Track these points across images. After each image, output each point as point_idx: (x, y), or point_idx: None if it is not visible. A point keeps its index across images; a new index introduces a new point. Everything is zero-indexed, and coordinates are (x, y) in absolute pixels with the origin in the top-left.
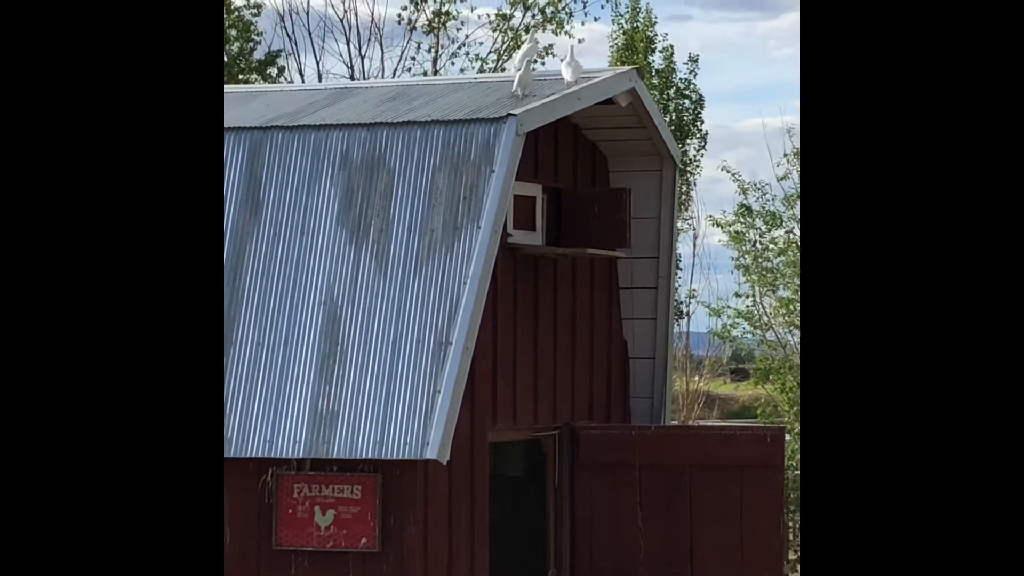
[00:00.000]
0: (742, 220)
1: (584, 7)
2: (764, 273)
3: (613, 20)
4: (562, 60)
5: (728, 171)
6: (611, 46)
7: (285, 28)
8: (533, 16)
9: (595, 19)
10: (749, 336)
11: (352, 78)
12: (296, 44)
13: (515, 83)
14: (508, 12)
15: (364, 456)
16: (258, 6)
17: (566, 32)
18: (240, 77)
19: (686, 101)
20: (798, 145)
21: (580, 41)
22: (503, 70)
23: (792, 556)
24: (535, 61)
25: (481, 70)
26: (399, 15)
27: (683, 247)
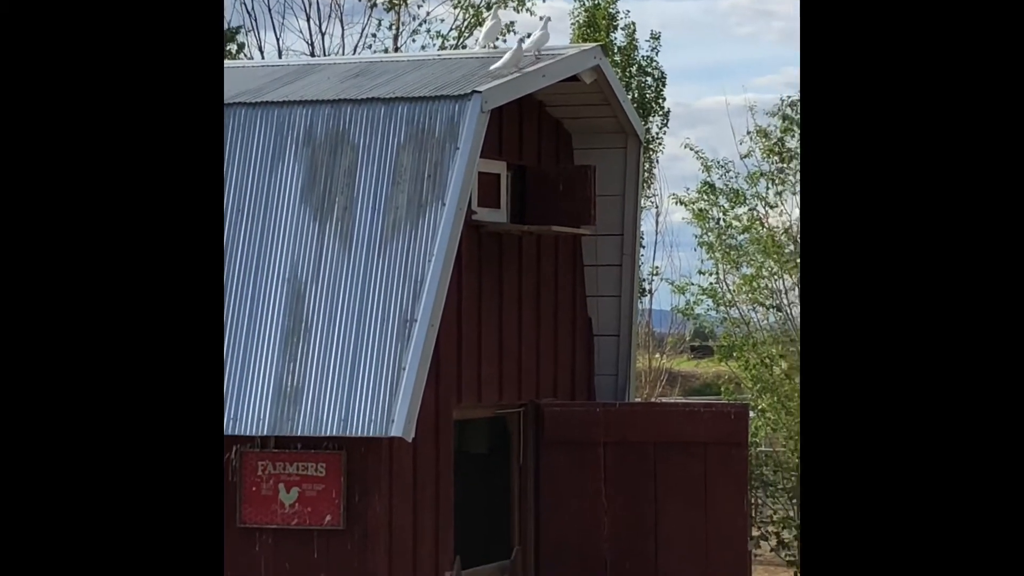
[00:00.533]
0: (705, 198)
1: None
2: (727, 251)
3: None
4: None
5: (691, 148)
6: (573, 23)
7: (245, 4)
8: None
9: None
10: (712, 313)
11: (312, 55)
12: (256, 20)
13: (503, 61)
14: None
15: (328, 434)
16: None
17: (527, 9)
18: None
19: (648, 79)
20: (760, 123)
21: (545, 19)
22: (464, 47)
23: (755, 532)
24: (498, 39)
25: (442, 47)
26: None
27: (646, 224)
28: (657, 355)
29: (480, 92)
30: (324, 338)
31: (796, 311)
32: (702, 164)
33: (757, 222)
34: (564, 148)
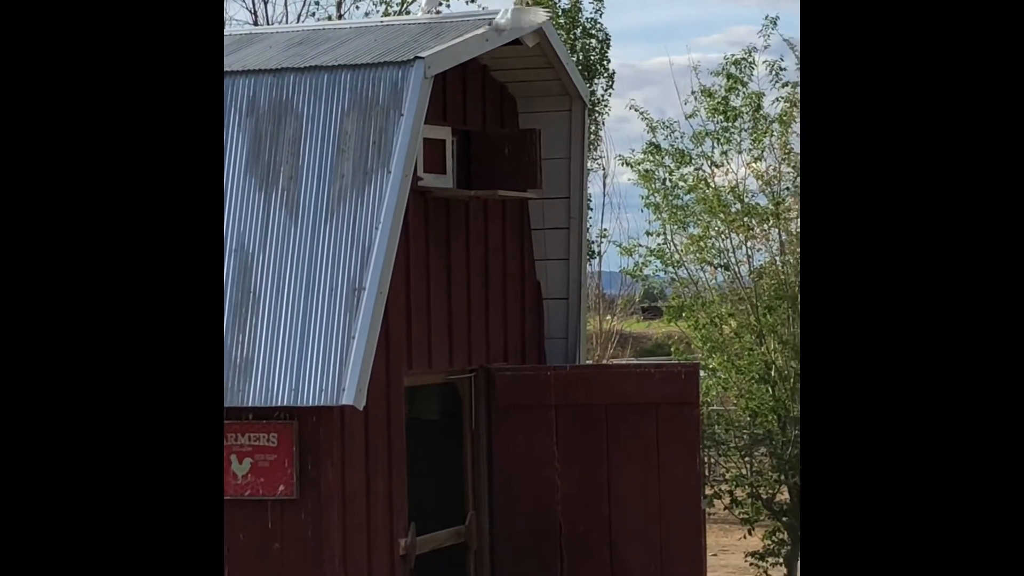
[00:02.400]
0: (651, 158)
1: None
2: (674, 211)
3: None
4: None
5: (636, 109)
6: None
7: None
8: None
9: None
10: (661, 274)
11: (256, 24)
12: None
13: (503, 17)
14: None
15: (280, 404)
16: None
17: None
18: None
19: (593, 40)
20: (704, 82)
21: None
22: (408, 13)
23: (708, 491)
24: (441, 3)
25: (386, 14)
26: None
27: (593, 187)
28: (608, 317)
29: (423, 58)
30: (273, 308)
31: (743, 270)
32: (647, 125)
33: (703, 182)
34: (509, 112)
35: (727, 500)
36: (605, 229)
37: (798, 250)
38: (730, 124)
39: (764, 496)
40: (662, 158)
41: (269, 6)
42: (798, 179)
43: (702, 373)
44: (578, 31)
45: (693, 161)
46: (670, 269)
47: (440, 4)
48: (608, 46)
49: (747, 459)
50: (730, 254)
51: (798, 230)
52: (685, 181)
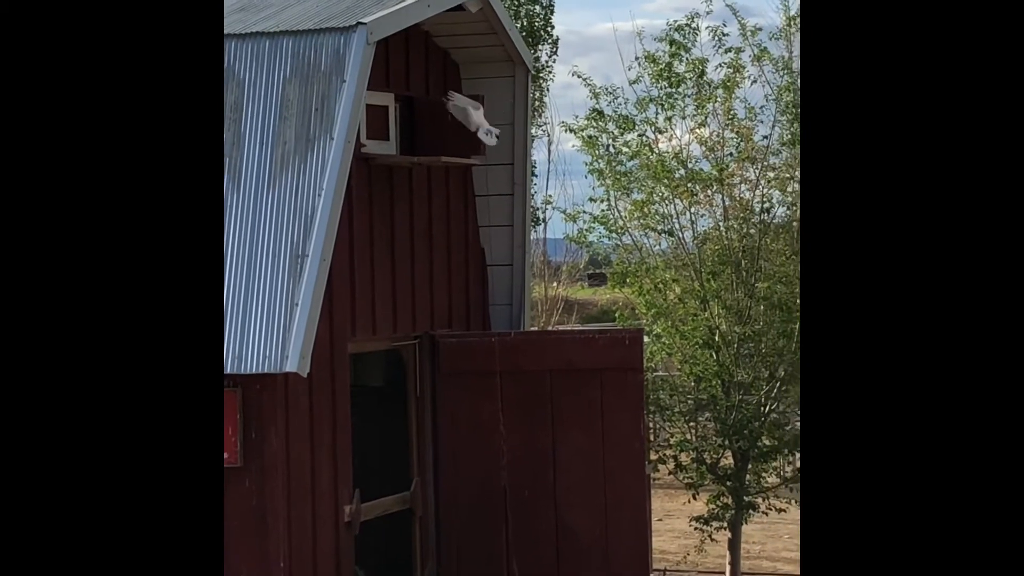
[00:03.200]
0: (594, 124)
1: None
2: (618, 177)
3: None
4: None
5: (579, 76)
6: None
7: None
8: None
9: None
10: (605, 240)
11: None
12: None
13: None
14: None
15: (224, 371)
16: None
17: None
18: None
19: (536, 7)
20: (648, 48)
21: None
22: None
23: (653, 456)
24: None
25: None
26: None
27: (538, 154)
28: (553, 284)
29: (365, 24)
30: None
31: (687, 235)
32: (590, 91)
33: (646, 148)
34: (452, 78)
35: (672, 465)
36: (550, 196)
37: (741, 215)
38: (674, 90)
39: (708, 461)
40: (605, 124)
41: None
42: (741, 145)
43: (646, 339)
44: None
45: (637, 127)
46: (614, 235)
47: None
48: (552, 12)
49: (691, 424)
50: (674, 220)
51: (741, 195)
52: (629, 147)
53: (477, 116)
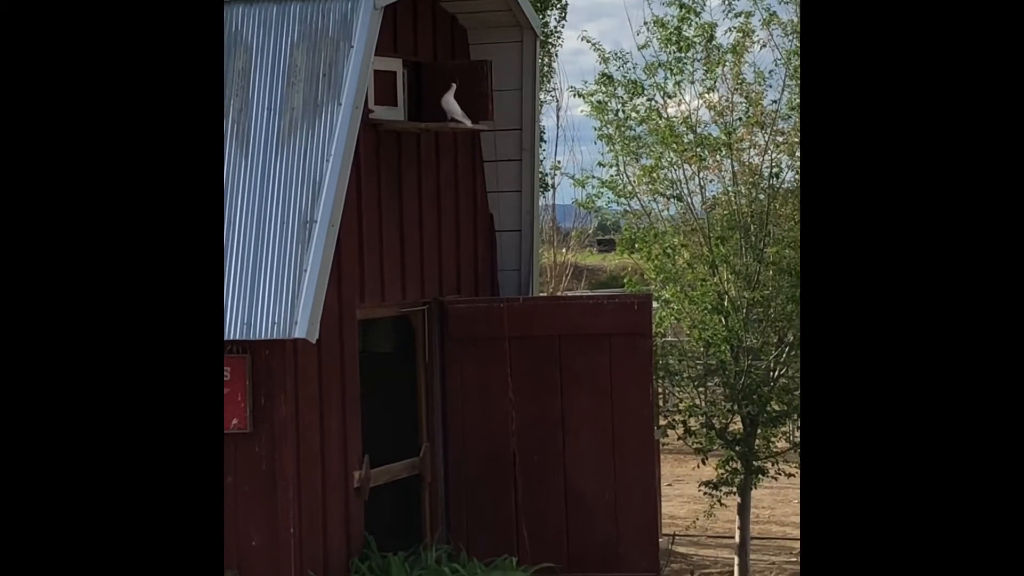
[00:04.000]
0: (603, 89)
1: None
2: (627, 142)
3: None
4: None
5: (588, 40)
6: None
7: None
8: None
9: None
10: (614, 206)
11: None
12: None
13: None
14: None
15: (232, 338)
16: None
17: None
18: None
19: None
20: (657, 13)
21: None
22: None
23: (662, 421)
24: None
25: None
26: None
27: (547, 120)
28: (563, 250)
29: None
30: (225, 242)
31: (696, 200)
32: (599, 56)
33: (655, 113)
34: (460, 43)
35: (681, 430)
36: (559, 161)
37: (750, 180)
38: (683, 55)
39: (717, 426)
40: (614, 89)
41: None
42: (750, 110)
43: (655, 304)
44: None
45: (646, 92)
46: (623, 201)
47: None
48: None
49: (700, 389)
50: (683, 185)
51: (750, 160)
52: (637, 112)
53: (447, 101)
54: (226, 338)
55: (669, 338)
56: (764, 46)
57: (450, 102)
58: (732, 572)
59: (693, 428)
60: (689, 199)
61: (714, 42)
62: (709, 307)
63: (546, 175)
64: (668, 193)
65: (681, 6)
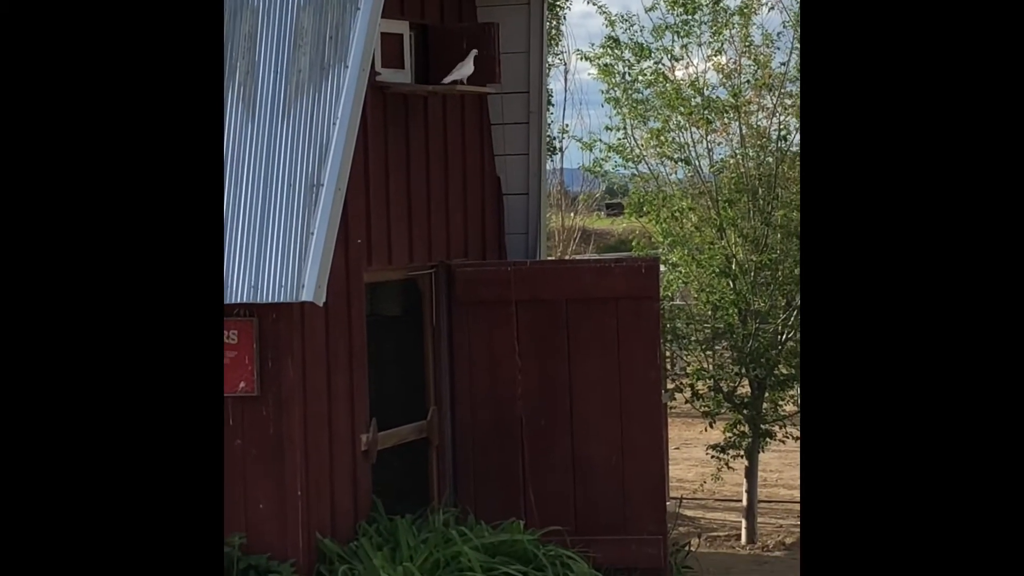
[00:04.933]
0: (610, 53)
1: None
2: (634, 105)
3: None
4: None
5: (594, 4)
6: None
7: None
8: None
9: None
10: (621, 169)
11: None
12: None
13: None
14: None
15: (239, 301)
16: None
17: None
18: None
19: None
20: None
21: None
22: None
23: (670, 385)
24: None
25: None
26: None
27: (555, 83)
28: (571, 214)
29: None
30: (231, 205)
31: (704, 164)
32: (606, 19)
33: (662, 76)
34: (467, 6)
35: (688, 394)
36: (566, 125)
37: (758, 143)
38: (690, 17)
39: (725, 389)
40: (621, 52)
41: None
42: (758, 72)
43: (663, 268)
44: None
45: (653, 55)
46: (630, 164)
47: None
48: None
49: (708, 353)
50: (690, 148)
51: (758, 123)
52: (644, 75)
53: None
54: (233, 301)
55: (677, 302)
56: (772, 8)
57: (464, 66)
58: (739, 535)
59: (700, 391)
60: (697, 162)
61: (721, 4)
62: (717, 270)
63: (554, 138)
64: (676, 156)
65: None
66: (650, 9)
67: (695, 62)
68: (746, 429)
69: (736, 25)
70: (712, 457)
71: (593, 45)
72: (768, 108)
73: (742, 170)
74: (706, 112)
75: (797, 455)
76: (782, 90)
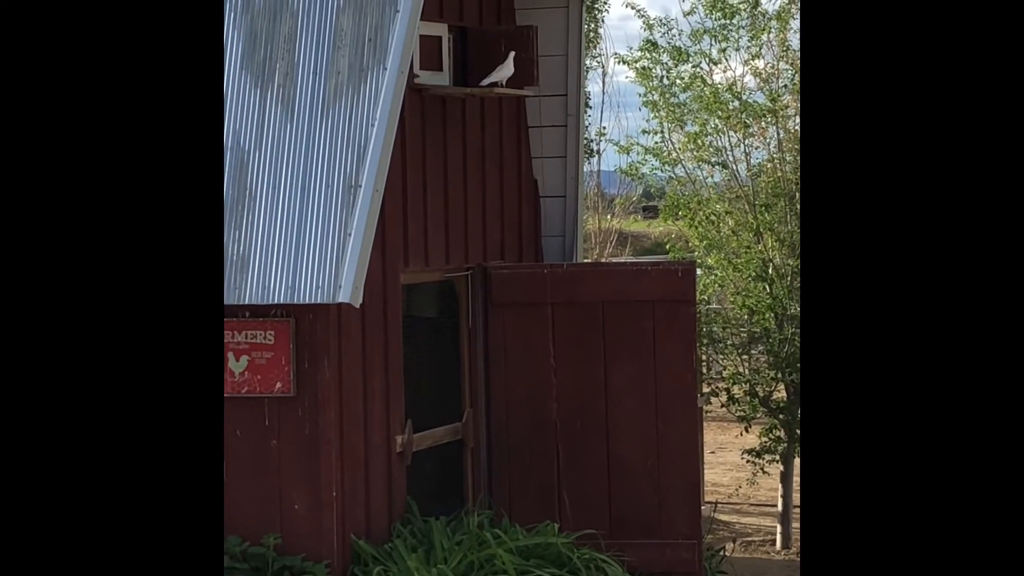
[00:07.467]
0: (648, 56)
1: None
2: (672, 108)
3: None
4: None
5: (632, 7)
6: None
7: None
8: None
9: None
10: (659, 173)
11: None
12: None
13: None
14: None
15: (276, 301)
16: None
17: None
18: None
19: None
20: None
21: None
22: None
23: (706, 389)
24: None
25: None
26: None
27: (593, 85)
28: (608, 216)
29: None
30: (269, 206)
31: (741, 168)
32: (644, 23)
33: (700, 79)
34: (506, 8)
35: (724, 398)
36: (604, 128)
37: (796, 147)
38: (728, 21)
39: (761, 394)
40: (659, 56)
41: None
42: (796, 77)
43: (699, 271)
44: None
45: (691, 59)
46: (667, 167)
47: None
48: None
49: (744, 357)
50: (727, 152)
51: (795, 128)
52: (682, 79)
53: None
54: (270, 302)
55: (713, 305)
56: None
57: (504, 68)
58: (774, 540)
59: (736, 396)
60: (734, 166)
61: (759, 8)
62: (753, 274)
63: (591, 141)
64: (713, 160)
65: None
66: (688, 13)
67: (733, 66)
68: (782, 434)
69: (774, 29)
70: (747, 462)
71: (631, 48)
72: None
73: (779, 174)
74: (743, 116)
75: None
76: None
